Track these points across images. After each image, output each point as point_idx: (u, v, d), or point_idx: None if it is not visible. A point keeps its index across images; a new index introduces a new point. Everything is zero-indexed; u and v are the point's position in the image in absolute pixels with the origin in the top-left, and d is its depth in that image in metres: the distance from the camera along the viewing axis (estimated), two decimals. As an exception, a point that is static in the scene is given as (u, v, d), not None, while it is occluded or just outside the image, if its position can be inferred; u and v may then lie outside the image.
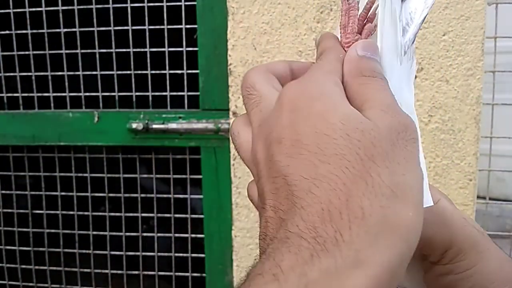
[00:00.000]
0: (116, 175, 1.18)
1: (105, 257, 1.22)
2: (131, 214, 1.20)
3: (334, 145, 0.26)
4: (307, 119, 0.27)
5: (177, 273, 1.19)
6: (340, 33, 0.35)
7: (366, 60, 0.31)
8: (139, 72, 1.12)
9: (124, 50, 1.11)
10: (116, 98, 1.14)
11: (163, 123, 1.11)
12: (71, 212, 1.22)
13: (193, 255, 1.18)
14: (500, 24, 1.01)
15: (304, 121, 0.27)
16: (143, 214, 1.20)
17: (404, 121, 0.27)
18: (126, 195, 1.19)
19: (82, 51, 1.14)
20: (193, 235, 1.18)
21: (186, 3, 1.07)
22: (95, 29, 1.11)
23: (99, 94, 1.14)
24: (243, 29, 0.99)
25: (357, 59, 0.31)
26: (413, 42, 0.37)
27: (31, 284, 1.27)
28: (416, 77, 0.96)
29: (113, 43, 1.11)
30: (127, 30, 1.10)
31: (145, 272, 1.22)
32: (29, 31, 1.14)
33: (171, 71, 1.11)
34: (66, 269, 1.24)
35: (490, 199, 1.07)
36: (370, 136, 0.26)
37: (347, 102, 0.29)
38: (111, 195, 1.19)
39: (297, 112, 0.28)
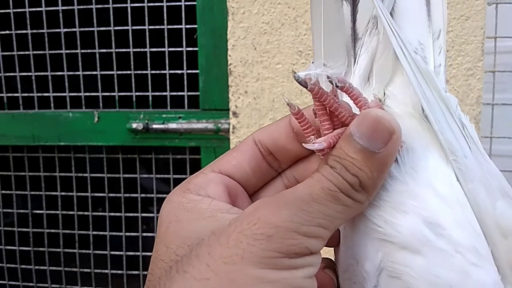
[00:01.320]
0: (116, 175, 1.18)
1: (105, 257, 1.22)
2: (131, 214, 1.20)
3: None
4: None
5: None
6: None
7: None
8: (139, 72, 1.12)
9: (124, 50, 1.11)
10: (116, 98, 1.14)
11: (163, 123, 1.11)
12: (71, 212, 1.22)
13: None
14: (500, 24, 1.01)
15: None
16: (143, 214, 1.20)
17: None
18: (126, 195, 1.19)
19: (82, 51, 1.14)
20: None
21: (186, 3, 1.07)
22: (95, 29, 1.11)
23: (99, 94, 1.14)
24: (243, 29, 0.99)
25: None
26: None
27: (31, 284, 1.27)
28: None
29: (113, 43, 1.11)
30: (127, 30, 1.10)
31: (145, 272, 1.21)
32: (29, 31, 1.14)
33: (171, 71, 1.11)
34: (66, 269, 1.24)
35: (490, 199, 1.07)
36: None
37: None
38: (111, 195, 1.19)
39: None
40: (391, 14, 0.32)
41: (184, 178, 0.33)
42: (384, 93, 0.32)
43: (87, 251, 1.23)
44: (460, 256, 0.27)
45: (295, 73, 0.28)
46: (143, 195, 1.19)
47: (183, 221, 0.28)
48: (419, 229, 0.27)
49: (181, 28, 1.08)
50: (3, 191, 1.26)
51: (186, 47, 1.09)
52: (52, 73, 1.15)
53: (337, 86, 0.29)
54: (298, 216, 0.25)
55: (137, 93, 1.13)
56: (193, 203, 0.29)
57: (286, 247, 0.25)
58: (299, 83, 0.28)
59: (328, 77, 0.29)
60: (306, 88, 0.28)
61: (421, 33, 0.32)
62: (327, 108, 0.29)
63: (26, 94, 1.17)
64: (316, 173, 0.27)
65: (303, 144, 0.29)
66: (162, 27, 1.09)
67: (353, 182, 0.27)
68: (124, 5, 1.09)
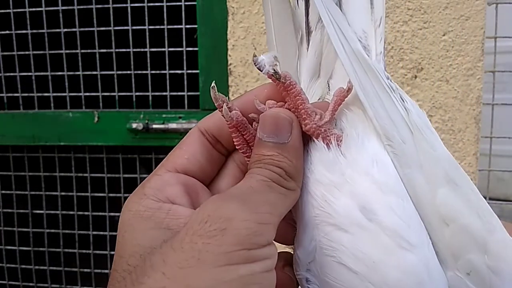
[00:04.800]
0: (116, 175, 1.18)
1: (105, 257, 1.22)
2: (131, 214, 1.20)
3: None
4: None
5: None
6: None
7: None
8: (139, 72, 1.12)
9: (124, 50, 1.11)
10: (116, 98, 1.14)
11: (163, 123, 1.11)
12: (71, 212, 1.22)
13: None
14: (500, 24, 1.01)
15: None
16: (143, 214, 1.20)
17: None
18: (126, 195, 1.19)
19: (82, 51, 1.14)
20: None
21: (186, 3, 1.07)
22: (95, 29, 1.11)
23: (99, 94, 1.14)
24: (243, 29, 0.99)
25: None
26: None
27: (31, 284, 1.27)
28: (416, 77, 0.96)
29: (113, 43, 1.11)
30: (127, 30, 1.10)
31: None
32: (29, 31, 1.14)
33: (171, 71, 1.11)
34: (66, 269, 1.24)
35: (490, 199, 1.07)
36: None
37: None
38: (111, 195, 1.19)
39: None
40: (339, 4, 0.33)
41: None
42: (328, 86, 0.34)
43: (87, 251, 1.23)
44: (386, 238, 0.28)
45: (255, 56, 0.31)
46: (143, 195, 1.19)
47: (138, 230, 0.28)
48: (352, 212, 0.29)
49: (181, 28, 1.08)
50: (3, 191, 1.26)
51: (186, 47, 1.09)
52: (52, 73, 1.15)
53: (281, 81, 0.31)
54: (247, 206, 0.26)
55: (137, 93, 1.13)
56: (150, 211, 0.28)
57: (242, 237, 0.25)
58: (255, 65, 0.31)
59: (274, 72, 0.31)
60: (261, 71, 0.31)
61: (365, 22, 0.34)
62: (235, 125, 0.31)
63: (26, 94, 1.17)
64: (247, 175, 0.29)
65: (254, 100, 0.31)
66: (162, 27, 1.08)
67: (279, 172, 0.29)
68: (124, 5, 1.09)
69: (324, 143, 0.31)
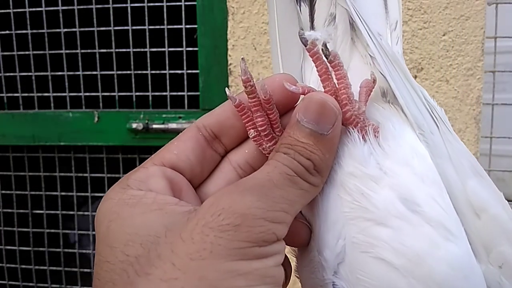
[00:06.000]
0: (116, 175, 1.18)
1: (105, 257, 1.22)
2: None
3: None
4: None
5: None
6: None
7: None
8: (139, 72, 1.12)
9: (124, 50, 1.11)
10: (116, 98, 1.14)
11: (163, 123, 1.11)
12: (71, 212, 1.22)
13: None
14: (500, 24, 1.01)
15: None
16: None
17: None
18: (126, 195, 1.19)
19: (82, 51, 1.14)
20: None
21: (186, 3, 1.07)
22: (95, 29, 1.11)
23: (99, 94, 1.14)
24: (243, 29, 0.99)
25: None
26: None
27: (31, 284, 1.27)
28: (416, 77, 0.96)
29: (113, 43, 1.11)
30: (127, 30, 1.10)
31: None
32: (29, 31, 1.14)
33: (171, 71, 1.11)
34: (66, 269, 1.24)
35: (490, 199, 1.07)
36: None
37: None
38: (111, 195, 1.19)
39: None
40: None
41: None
42: None
43: (87, 251, 1.23)
44: (431, 229, 0.28)
45: (301, 29, 0.30)
46: (143, 195, 1.19)
47: (126, 217, 0.26)
48: (393, 204, 0.28)
49: (181, 28, 1.08)
50: (3, 191, 1.26)
51: (186, 47, 1.09)
52: (52, 73, 1.15)
53: (328, 58, 0.29)
54: (263, 202, 0.25)
55: (137, 93, 1.13)
56: (135, 198, 0.27)
57: (255, 235, 0.24)
58: (301, 39, 0.29)
59: (325, 47, 0.29)
60: (305, 46, 0.30)
61: (379, 25, 0.34)
62: (262, 103, 0.30)
63: (26, 94, 1.17)
64: (271, 160, 0.28)
65: (283, 82, 0.29)
66: (162, 27, 1.08)
67: (308, 165, 0.27)
68: (124, 5, 1.09)
69: (360, 133, 0.30)
